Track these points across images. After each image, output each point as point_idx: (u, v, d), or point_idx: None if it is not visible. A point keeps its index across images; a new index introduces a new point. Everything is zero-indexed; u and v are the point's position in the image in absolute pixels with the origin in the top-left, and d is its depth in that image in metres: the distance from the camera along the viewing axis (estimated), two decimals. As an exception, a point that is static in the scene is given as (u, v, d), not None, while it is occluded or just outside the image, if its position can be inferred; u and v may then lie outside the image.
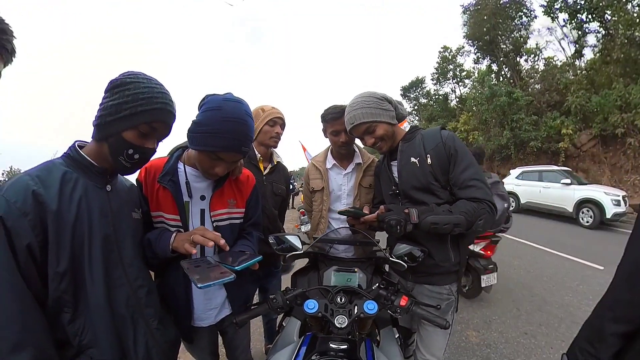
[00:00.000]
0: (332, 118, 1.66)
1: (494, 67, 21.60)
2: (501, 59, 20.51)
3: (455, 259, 1.43)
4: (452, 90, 28.73)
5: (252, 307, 1.14)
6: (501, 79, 20.44)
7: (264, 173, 1.78)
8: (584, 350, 0.79)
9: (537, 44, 19.42)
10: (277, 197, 1.83)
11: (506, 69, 20.81)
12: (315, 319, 1.28)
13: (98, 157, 0.91)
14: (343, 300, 1.18)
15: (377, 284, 1.28)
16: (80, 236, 0.83)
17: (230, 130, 0.98)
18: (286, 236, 1.27)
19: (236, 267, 0.92)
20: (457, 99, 27.58)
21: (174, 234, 1.03)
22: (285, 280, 2.07)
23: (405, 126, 1.66)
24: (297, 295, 1.17)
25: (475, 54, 22.81)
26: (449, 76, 27.74)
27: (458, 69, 27.03)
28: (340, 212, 1.46)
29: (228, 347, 1.44)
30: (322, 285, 1.27)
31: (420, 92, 32.02)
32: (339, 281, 1.33)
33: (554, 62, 17.73)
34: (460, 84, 27.45)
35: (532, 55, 19.24)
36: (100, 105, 0.87)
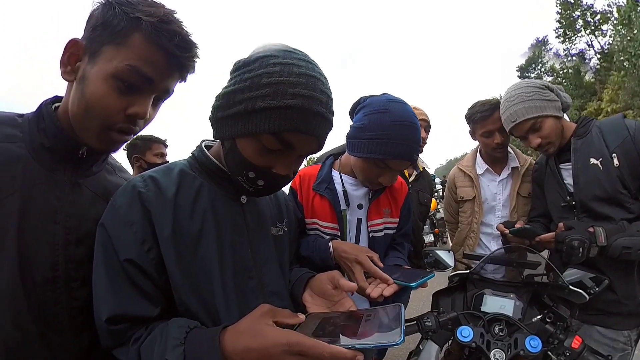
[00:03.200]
0: (482, 117, 1.54)
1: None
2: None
3: (643, 296, 1.22)
4: (585, 59, 23.30)
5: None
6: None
7: (410, 181, 1.76)
8: None
9: None
10: (422, 207, 1.80)
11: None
12: (458, 348, 1.22)
13: (224, 162, 0.74)
14: (502, 331, 1.10)
15: (539, 316, 1.17)
16: (209, 260, 0.67)
17: (402, 135, 0.95)
18: (436, 251, 1.24)
19: (413, 284, 0.88)
20: (595, 69, 22.36)
21: (331, 243, 1.03)
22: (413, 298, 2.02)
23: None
24: (450, 319, 1.12)
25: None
26: (578, 27, 22.52)
27: (589, 13, 21.68)
28: (512, 232, 1.35)
29: None
30: (474, 311, 1.20)
31: (542, 69, 27.21)
32: (491, 307, 1.24)
33: None
34: (597, 34, 22.02)
35: None
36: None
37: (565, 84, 24.13)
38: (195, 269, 0.66)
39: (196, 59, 0.70)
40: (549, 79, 26.09)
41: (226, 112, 0.63)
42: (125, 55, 0.61)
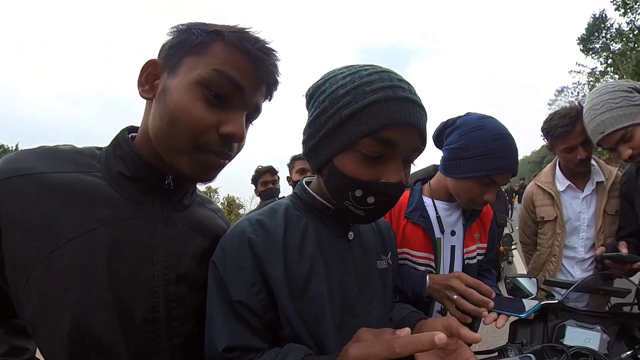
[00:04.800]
0: (563, 132, 1.42)
1: None
2: None
3: None
4: None
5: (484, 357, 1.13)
6: None
7: None
8: None
9: None
10: (498, 229, 1.73)
11: None
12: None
13: (327, 196, 0.72)
14: (588, 368, 1.05)
15: (629, 352, 1.10)
16: (319, 300, 0.68)
17: (504, 148, 0.97)
18: (519, 279, 1.19)
19: (523, 315, 0.88)
20: None
21: (428, 277, 1.02)
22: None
23: None
24: (533, 352, 1.09)
25: None
26: None
27: None
28: (607, 257, 1.26)
29: None
30: (556, 344, 1.15)
31: (608, 36, 23.39)
32: (574, 340, 1.18)
33: None
34: None
35: None
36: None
37: (638, 48, 21.25)
38: (307, 308, 0.67)
39: (280, 70, 0.66)
40: (618, 46, 23.04)
41: (316, 137, 0.64)
42: (208, 61, 0.57)
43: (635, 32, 21.53)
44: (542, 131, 1.54)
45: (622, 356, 1.11)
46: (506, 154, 0.96)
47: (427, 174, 1.21)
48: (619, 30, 22.65)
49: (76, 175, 0.59)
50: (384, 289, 0.81)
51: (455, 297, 0.90)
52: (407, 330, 0.54)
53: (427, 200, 1.15)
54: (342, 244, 0.74)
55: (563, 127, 1.42)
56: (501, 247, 5.39)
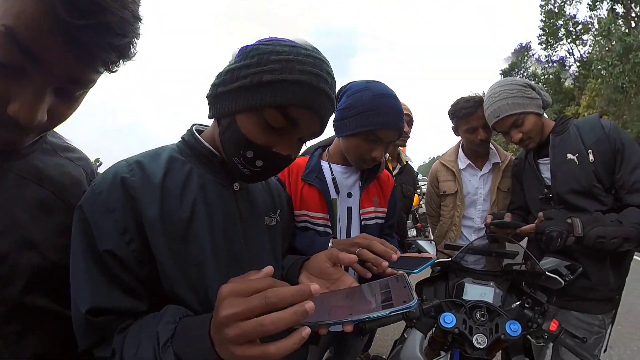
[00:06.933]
0: (467, 114, 1.61)
1: (619, 9, 17.68)
2: (626, -6, 16.69)
3: (615, 282, 1.33)
4: (565, 66, 24.68)
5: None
6: (634, 25, 16.77)
7: (393, 174, 1.83)
8: None
9: None
10: (406, 200, 1.87)
11: (638, 9, 17.04)
12: (442, 335, 1.28)
13: (216, 145, 0.69)
14: (484, 317, 1.17)
15: (518, 303, 1.24)
16: (201, 249, 0.64)
17: (386, 105, 1.03)
18: (419, 241, 1.29)
19: (415, 271, 0.85)
20: (574, 75, 23.69)
21: (331, 241, 1.03)
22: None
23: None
24: (433, 307, 1.18)
25: (589, -3, 18.92)
26: (560, 35, 24.07)
27: (571, 24, 23.12)
28: (494, 224, 1.43)
29: (337, 350, 1.52)
30: (456, 298, 1.26)
31: (524, 74, 28.20)
32: (472, 295, 1.31)
33: None
34: (577, 43, 23.59)
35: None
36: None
37: (546, 89, 25.28)
38: (187, 258, 0.62)
39: (117, 38, 0.47)
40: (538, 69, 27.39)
41: (228, 87, 0.61)
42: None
43: (544, 78, 25.45)
44: (448, 113, 1.72)
45: (512, 306, 1.24)
46: (387, 111, 1.02)
47: (329, 141, 1.26)
48: (534, 73, 26.74)
49: None
50: (272, 245, 0.80)
51: (357, 250, 0.85)
52: (270, 268, 0.54)
53: (324, 164, 1.19)
54: (227, 193, 0.71)
55: (467, 109, 1.60)
56: (419, 224, 5.61)
